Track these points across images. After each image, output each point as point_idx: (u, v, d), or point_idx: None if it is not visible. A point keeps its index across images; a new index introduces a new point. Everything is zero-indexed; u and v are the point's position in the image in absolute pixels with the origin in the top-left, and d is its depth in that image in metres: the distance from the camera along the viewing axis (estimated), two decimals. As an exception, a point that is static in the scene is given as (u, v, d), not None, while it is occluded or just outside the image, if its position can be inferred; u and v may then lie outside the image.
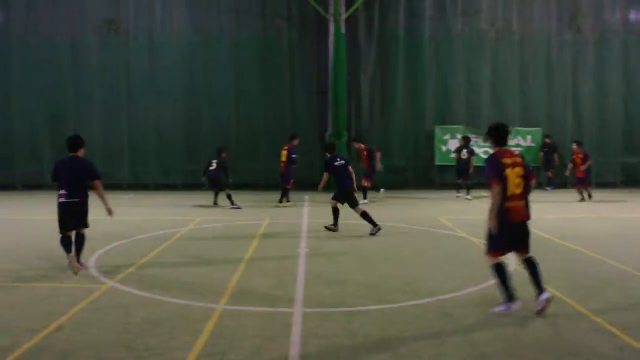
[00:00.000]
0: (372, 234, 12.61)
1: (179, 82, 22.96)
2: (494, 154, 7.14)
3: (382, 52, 23.26)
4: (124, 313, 7.17)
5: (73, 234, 9.27)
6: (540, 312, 6.91)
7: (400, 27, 23.02)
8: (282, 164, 18.08)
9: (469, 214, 16.08)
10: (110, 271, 9.27)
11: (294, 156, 17.95)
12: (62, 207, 9.14)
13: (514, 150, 7.66)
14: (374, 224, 12.73)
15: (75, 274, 8.98)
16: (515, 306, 6.97)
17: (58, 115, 23.26)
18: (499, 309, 7.03)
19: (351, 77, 22.97)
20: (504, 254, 7.07)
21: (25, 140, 23.38)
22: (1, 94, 23.45)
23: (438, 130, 23.02)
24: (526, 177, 7.01)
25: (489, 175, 6.96)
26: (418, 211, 17.04)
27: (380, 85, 23.42)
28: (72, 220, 9.18)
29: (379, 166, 19.41)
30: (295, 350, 5.94)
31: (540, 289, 6.97)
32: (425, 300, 7.66)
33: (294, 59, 23.27)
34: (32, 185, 23.03)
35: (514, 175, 6.89)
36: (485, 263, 7.47)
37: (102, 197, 9.41)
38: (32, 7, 23.45)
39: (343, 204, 13.24)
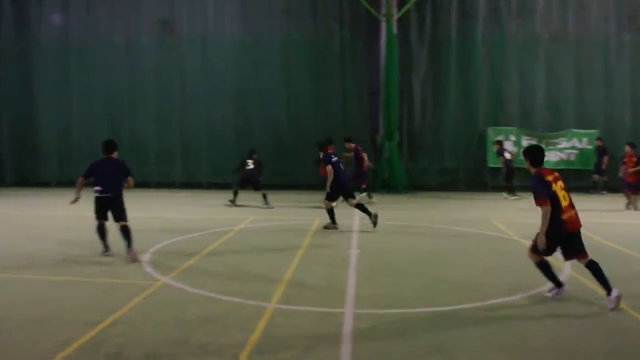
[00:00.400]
0: (374, 224, 13.12)
1: (230, 83, 23.22)
2: (536, 174, 7.37)
3: (433, 52, 23.05)
4: (177, 309, 7.28)
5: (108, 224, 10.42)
6: (614, 309, 7.10)
7: (452, 28, 22.77)
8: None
9: (522, 216, 15.78)
10: (163, 268, 9.43)
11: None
12: (97, 200, 10.44)
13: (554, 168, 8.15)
14: (369, 213, 13.24)
15: (132, 262, 9.80)
16: (564, 290, 7.65)
17: (113, 115, 23.86)
18: (550, 293, 7.74)
19: (403, 77, 22.81)
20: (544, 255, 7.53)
21: (82, 139, 24.07)
22: (61, 94, 24.21)
23: (490, 131, 22.68)
24: (566, 188, 7.41)
25: (539, 195, 7.22)
26: (470, 213, 16.81)
27: (431, 86, 23.22)
28: (105, 211, 10.38)
29: (367, 163, 19.17)
30: (346, 351, 5.92)
31: (607, 288, 7.20)
32: (478, 304, 7.55)
33: (345, 59, 23.24)
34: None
35: (559, 189, 7.26)
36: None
37: (129, 188, 10.59)
38: (91, 10, 24.12)
39: (335, 200, 13.61)
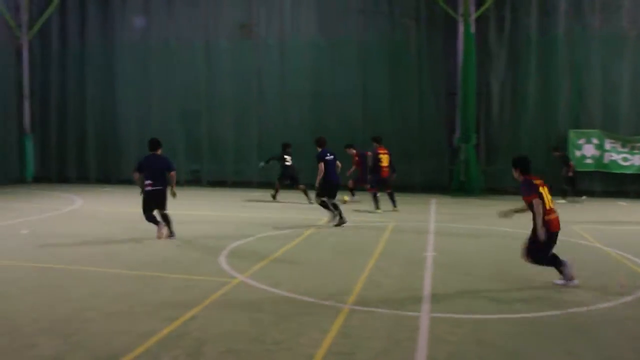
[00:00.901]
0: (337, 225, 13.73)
1: (306, 84, 23.34)
2: (526, 178, 8.45)
3: (512, 52, 22.47)
4: (254, 307, 7.38)
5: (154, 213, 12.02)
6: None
7: (532, 26, 22.11)
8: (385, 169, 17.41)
9: (604, 222, 15.21)
10: (240, 266, 9.59)
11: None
12: (148, 193, 11.89)
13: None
14: (341, 216, 13.80)
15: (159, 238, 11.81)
16: (573, 283, 8.44)
17: (192, 115, 24.43)
18: (559, 282, 8.54)
19: (480, 78, 22.35)
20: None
21: (163, 137, 24.50)
22: (142, 95, 24.99)
23: (572, 134, 21.91)
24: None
25: (529, 193, 8.28)
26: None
27: (510, 87, 22.64)
28: (153, 203, 11.94)
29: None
30: (422, 355, 5.87)
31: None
32: (558, 312, 7.33)
33: (422, 59, 22.96)
34: (193, 180, 24.28)
35: (545, 193, 8.32)
36: (620, 274, 7.61)
37: (173, 182, 12.15)
38: (171, 12, 24.79)
39: (329, 196, 13.94)
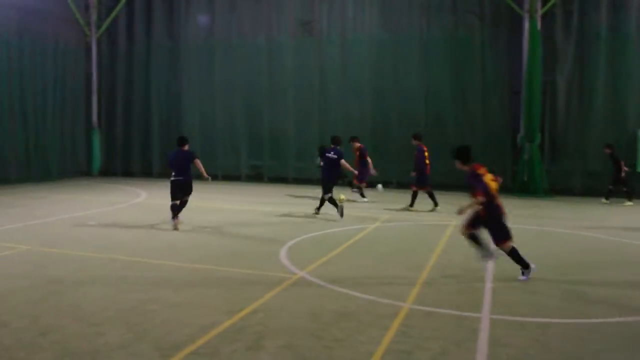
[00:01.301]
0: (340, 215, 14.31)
1: (368, 81, 23.27)
2: (473, 169, 8.67)
3: (580, 49, 21.81)
4: (313, 303, 7.43)
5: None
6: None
7: (601, 22, 21.39)
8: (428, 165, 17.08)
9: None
10: (300, 262, 9.65)
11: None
12: (172, 183, 13.13)
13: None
14: (338, 208, 14.42)
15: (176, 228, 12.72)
16: (530, 273, 8.71)
17: (254, 111, 24.71)
18: (523, 278, 8.72)
19: (546, 76, 21.78)
20: (474, 230, 8.73)
21: (225, 134, 25.19)
22: (206, 91, 25.44)
23: (641, 134, 21.18)
24: (495, 179, 8.71)
25: (476, 190, 8.43)
26: (616, 220, 15.71)
27: (577, 85, 21.99)
28: (179, 192, 13.06)
29: (373, 170, 18.85)
30: (482, 357, 5.80)
31: (523, 265, 8.73)
32: (629, 318, 7.10)
33: (486, 57, 22.54)
34: (231, 176, 24.65)
35: (489, 180, 8.56)
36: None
37: (200, 168, 13.29)
38: (235, 10, 25.12)
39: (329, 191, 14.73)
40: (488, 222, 8.62)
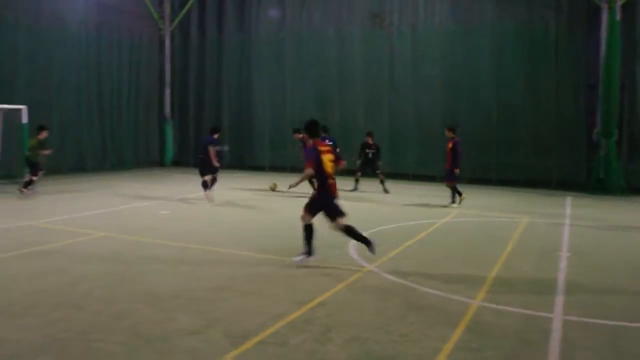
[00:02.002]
0: None
1: (439, 73, 22.92)
2: (312, 145, 8.90)
3: (662, 41, 20.87)
4: (381, 297, 7.42)
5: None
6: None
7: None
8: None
9: None
10: (369, 255, 9.62)
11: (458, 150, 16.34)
12: (199, 161, 15.85)
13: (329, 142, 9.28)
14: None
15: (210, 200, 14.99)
16: (311, 258, 8.94)
17: (324, 103, 24.76)
18: (297, 259, 8.96)
19: (625, 69, 20.92)
20: (313, 216, 8.89)
21: (295, 126, 25.22)
22: (276, 83, 25.70)
23: None
24: (335, 161, 8.91)
25: (307, 160, 8.71)
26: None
27: (658, 78, 21.08)
28: (200, 169, 15.61)
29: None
30: (553, 358, 5.65)
31: (361, 239, 8.93)
32: None
33: (561, 49, 21.79)
34: (299, 168, 24.75)
35: (327, 160, 8.75)
36: None
37: (211, 155, 15.32)
38: (305, 3, 25.25)
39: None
40: (322, 202, 8.90)
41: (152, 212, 13.93)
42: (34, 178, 16.00)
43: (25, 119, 19.02)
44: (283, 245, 10.46)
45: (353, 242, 10.61)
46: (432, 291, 7.70)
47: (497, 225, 13.27)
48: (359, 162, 19.50)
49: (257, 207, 15.11)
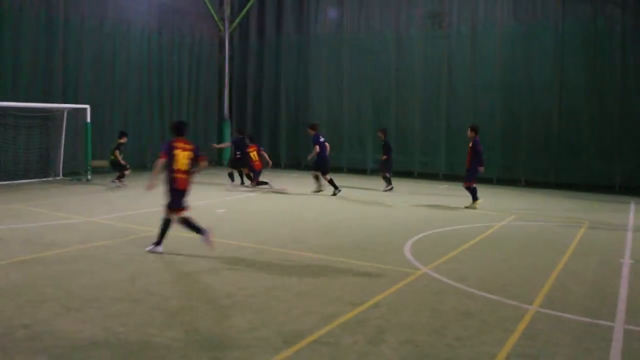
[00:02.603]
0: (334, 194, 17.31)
1: (498, 73, 22.52)
2: (170, 140, 9.73)
3: None
4: (436, 300, 7.34)
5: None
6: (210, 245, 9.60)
7: None
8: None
9: None
10: (424, 258, 9.57)
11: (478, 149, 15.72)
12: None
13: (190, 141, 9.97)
14: (335, 187, 17.60)
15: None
16: (160, 249, 9.62)
17: (381, 105, 24.73)
18: (149, 248, 9.68)
19: (696, 70, 20.12)
20: (181, 211, 9.61)
21: (352, 127, 25.42)
22: (334, 85, 25.79)
23: None
24: (194, 159, 9.66)
25: (162, 151, 9.63)
26: None
27: None
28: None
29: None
30: (614, 368, 5.49)
31: (199, 231, 9.58)
32: None
33: (627, 50, 21.05)
34: (356, 169, 24.83)
35: (180, 156, 9.49)
36: None
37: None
38: (363, 3, 25.24)
39: (324, 173, 17.70)
40: (166, 192, 9.62)
41: (209, 210, 14.15)
42: (126, 172, 18.19)
43: (88, 118, 19.64)
44: (338, 246, 10.49)
45: (408, 244, 10.59)
46: (488, 295, 7.58)
47: (556, 230, 12.97)
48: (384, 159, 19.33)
49: (314, 208, 15.18)
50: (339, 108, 25.62)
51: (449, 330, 6.29)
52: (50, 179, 19.46)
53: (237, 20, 27.83)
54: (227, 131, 27.88)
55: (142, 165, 23.68)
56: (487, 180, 21.93)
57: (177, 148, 9.56)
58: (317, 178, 17.87)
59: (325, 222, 12.99)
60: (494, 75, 22.56)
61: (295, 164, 26.41)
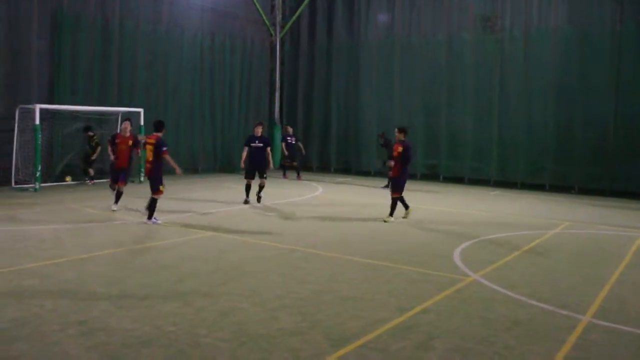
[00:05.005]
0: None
1: (552, 77, 21.97)
2: (157, 137, 12.24)
3: None
4: (485, 307, 7.25)
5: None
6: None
7: None
8: None
9: None
10: (474, 264, 9.45)
11: None
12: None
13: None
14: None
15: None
16: (155, 220, 12.33)
17: (432, 109, 24.46)
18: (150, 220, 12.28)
19: None
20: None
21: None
22: (385, 89, 25.67)
23: None
24: (156, 152, 12.03)
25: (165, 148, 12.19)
26: None
27: None
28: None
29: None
30: (672, 381, 5.32)
31: (151, 216, 12.33)
32: None
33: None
34: (429, 175, 24.66)
35: (148, 149, 12.11)
36: None
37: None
38: (414, 8, 25.08)
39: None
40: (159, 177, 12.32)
41: (260, 213, 14.28)
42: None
43: (142, 121, 20.06)
44: (387, 251, 10.45)
45: (458, 251, 10.49)
46: (539, 304, 7.44)
47: (611, 239, 12.63)
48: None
49: (361, 212, 15.13)
50: (389, 112, 25.44)
51: (498, 339, 6.20)
52: (104, 180, 19.82)
53: (288, 25, 28.01)
54: (277, 136, 28.02)
55: (194, 169, 24.03)
56: (539, 187, 21.55)
57: (147, 143, 12.02)
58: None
59: (378, 227, 12.92)
60: (547, 79, 22.02)
61: (345, 169, 26.43)
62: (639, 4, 20.65)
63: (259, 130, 15.93)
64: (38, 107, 17.31)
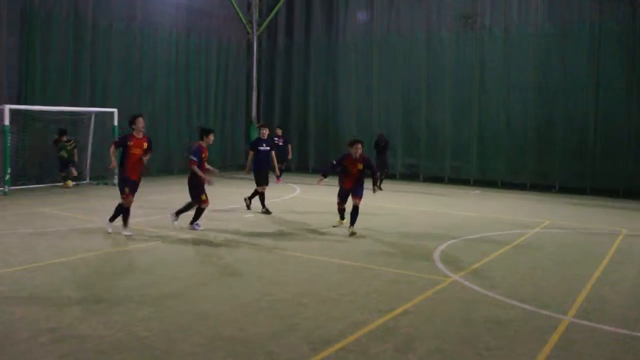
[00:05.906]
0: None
1: (532, 76, 21.96)
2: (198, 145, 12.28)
3: None
4: (466, 308, 7.15)
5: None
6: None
7: None
8: None
9: None
10: (454, 265, 9.36)
11: None
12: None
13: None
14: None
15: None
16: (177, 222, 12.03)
17: (411, 109, 24.41)
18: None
19: None
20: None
21: (381, 129, 24.96)
22: (363, 88, 25.56)
23: None
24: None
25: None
26: None
27: None
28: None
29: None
30: (654, 383, 5.25)
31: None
32: None
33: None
34: (409, 175, 24.56)
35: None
36: None
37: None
38: (393, 6, 24.99)
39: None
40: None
41: (235, 216, 14.08)
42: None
43: (116, 122, 19.72)
44: (366, 252, 10.33)
45: (438, 251, 10.40)
46: (520, 304, 7.36)
47: (592, 238, 12.63)
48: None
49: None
50: (368, 111, 25.35)
51: (479, 340, 6.11)
52: (76, 183, 19.42)
53: (265, 23, 27.81)
54: (254, 135, 27.79)
55: (169, 170, 23.70)
56: (520, 186, 21.59)
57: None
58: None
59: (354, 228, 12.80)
60: (527, 77, 22.02)
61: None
62: (618, 2, 20.71)
63: (265, 133, 15.18)
64: (7, 107, 16.86)
